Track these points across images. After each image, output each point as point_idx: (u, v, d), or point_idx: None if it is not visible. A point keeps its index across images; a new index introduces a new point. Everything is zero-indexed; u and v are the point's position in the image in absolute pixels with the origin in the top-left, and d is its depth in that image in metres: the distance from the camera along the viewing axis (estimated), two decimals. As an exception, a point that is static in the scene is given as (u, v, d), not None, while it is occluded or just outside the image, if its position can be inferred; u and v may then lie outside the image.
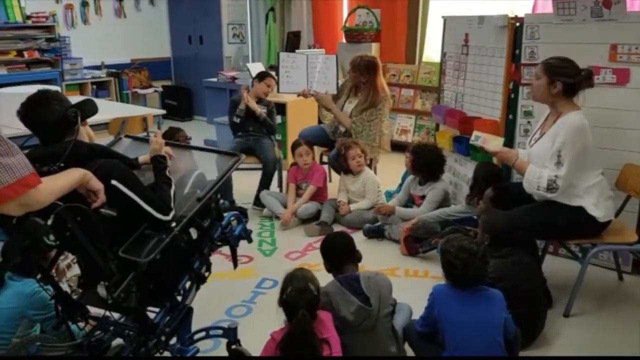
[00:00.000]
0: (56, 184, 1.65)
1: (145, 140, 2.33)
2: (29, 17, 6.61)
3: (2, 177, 1.46)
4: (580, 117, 2.79)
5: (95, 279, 1.99)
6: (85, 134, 2.07)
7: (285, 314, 2.14)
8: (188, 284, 2.27)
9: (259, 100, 4.62)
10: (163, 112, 5.29)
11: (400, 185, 4.36)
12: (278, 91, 4.65)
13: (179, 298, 2.24)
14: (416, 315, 2.54)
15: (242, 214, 2.68)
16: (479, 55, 3.92)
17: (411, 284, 3.32)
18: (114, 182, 1.85)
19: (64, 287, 2.58)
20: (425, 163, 3.88)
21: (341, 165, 4.28)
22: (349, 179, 4.30)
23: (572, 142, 2.75)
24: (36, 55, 6.68)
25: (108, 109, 4.93)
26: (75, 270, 2.58)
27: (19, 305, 2.40)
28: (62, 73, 6.93)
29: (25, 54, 6.59)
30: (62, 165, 1.79)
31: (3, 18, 6.40)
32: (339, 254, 2.49)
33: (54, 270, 2.77)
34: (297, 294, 2.09)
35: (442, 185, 3.93)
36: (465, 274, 2.33)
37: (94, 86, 7.36)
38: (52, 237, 1.64)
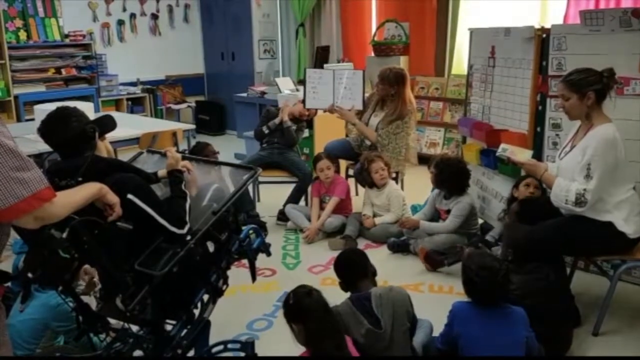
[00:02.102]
0: (72, 198, 1.68)
1: (164, 155, 2.36)
2: (67, 36, 6.85)
3: (18, 191, 1.50)
4: (612, 130, 2.72)
5: (113, 291, 2.03)
6: (103, 148, 2.13)
7: (295, 322, 2.08)
8: (206, 297, 2.29)
9: (293, 118, 4.66)
10: (192, 126, 5.38)
11: (429, 199, 4.30)
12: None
13: (197, 311, 2.25)
14: (437, 333, 2.50)
15: (261, 227, 2.68)
16: (505, 67, 3.86)
17: (435, 300, 3.26)
18: (129, 196, 1.89)
19: (92, 299, 2.64)
20: (449, 177, 3.83)
21: (365, 179, 4.26)
22: (374, 192, 4.28)
23: (603, 155, 2.67)
24: (73, 72, 6.91)
25: (139, 124, 5.04)
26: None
27: (43, 316, 2.46)
28: (99, 89, 7.14)
29: (63, 71, 6.82)
30: (80, 179, 1.83)
31: (42, 37, 6.65)
32: (351, 271, 2.46)
33: (84, 282, 2.85)
34: (306, 294, 2.07)
35: (467, 199, 3.86)
36: (486, 291, 2.29)
37: (129, 102, 7.54)
38: (66, 250, 1.68)
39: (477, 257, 2.39)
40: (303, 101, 4.66)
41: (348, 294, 2.43)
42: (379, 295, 2.33)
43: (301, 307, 2.03)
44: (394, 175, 4.45)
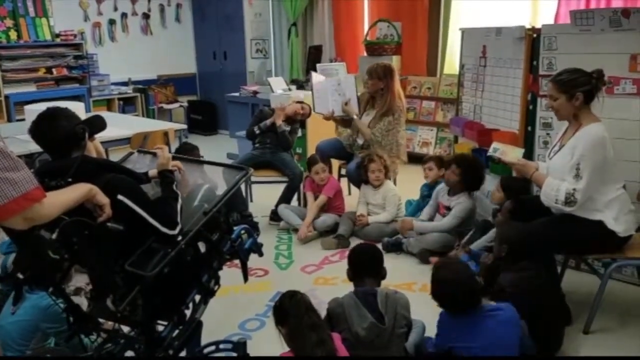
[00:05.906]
0: (61, 199, 1.68)
1: (156, 155, 2.35)
2: (57, 35, 6.81)
3: (7, 191, 1.49)
4: (600, 129, 2.73)
5: (104, 291, 2.01)
6: (93, 149, 2.11)
7: (280, 324, 2.10)
8: (197, 298, 2.28)
9: (287, 118, 4.65)
10: (184, 126, 5.35)
11: (425, 196, 4.26)
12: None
13: (188, 312, 2.24)
14: (429, 332, 2.50)
15: (253, 228, 2.67)
16: (496, 67, 3.88)
17: (428, 300, 3.19)
18: (120, 196, 1.87)
19: (83, 300, 2.63)
20: (471, 178, 3.79)
21: (361, 175, 4.27)
22: (370, 191, 4.28)
23: (592, 155, 2.68)
24: (64, 72, 6.87)
25: (130, 124, 5.02)
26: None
27: (34, 318, 2.44)
28: (90, 89, 7.10)
29: (54, 71, 6.77)
30: (69, 180, 1.82)
31: (33, 36, 6.61)
32: (365, 264, 2.50)
33: (73, 285, 2.83)
34: (289, 297, 2.10)
35: (470, 202, 3.84)
36: (456, 300, 2.28)
37: (121, 102, 7.50)
38: (56, 251, 1.67)
39: (443, 269, 2.37)
40: (312, 105, 4.67)
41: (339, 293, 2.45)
42: (385, 294, 2.36)
43: (283, 308, 2.07)
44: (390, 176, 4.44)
